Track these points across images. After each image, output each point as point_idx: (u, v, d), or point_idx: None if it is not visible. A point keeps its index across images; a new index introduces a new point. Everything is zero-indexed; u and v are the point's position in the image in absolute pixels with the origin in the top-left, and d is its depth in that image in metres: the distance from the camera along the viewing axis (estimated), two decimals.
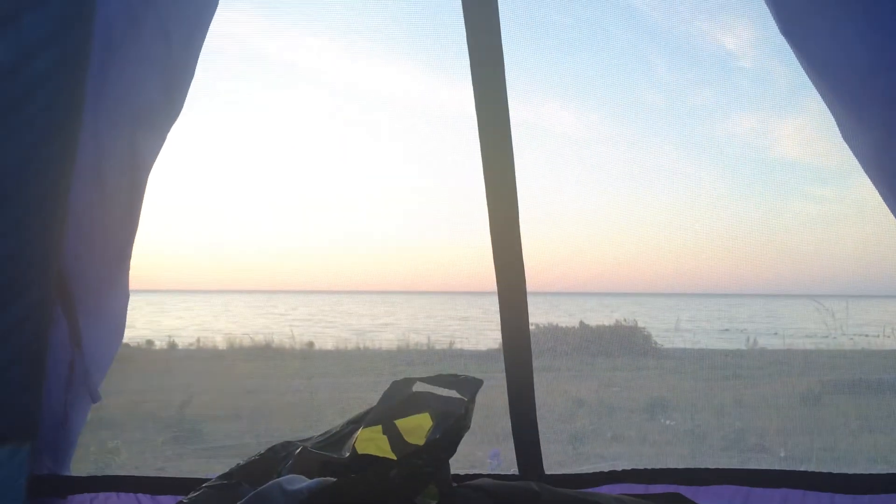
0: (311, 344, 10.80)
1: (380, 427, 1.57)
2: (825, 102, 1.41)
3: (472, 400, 1.50)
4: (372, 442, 1.56)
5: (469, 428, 1.47)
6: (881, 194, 1.44)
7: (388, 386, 1.57)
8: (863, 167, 1.44)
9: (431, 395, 1.59)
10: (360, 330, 12.75)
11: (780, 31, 1.35)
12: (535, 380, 1.86)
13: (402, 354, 9.93)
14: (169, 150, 1.52)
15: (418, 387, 1.59)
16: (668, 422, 5.49)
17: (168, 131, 1.42)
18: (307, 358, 9.70)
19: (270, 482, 1.30)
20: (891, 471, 1.65)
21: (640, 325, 10.29)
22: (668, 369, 8.23)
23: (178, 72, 1.37)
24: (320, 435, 1.56)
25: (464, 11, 1.60)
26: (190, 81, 1.39)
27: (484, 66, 1.62)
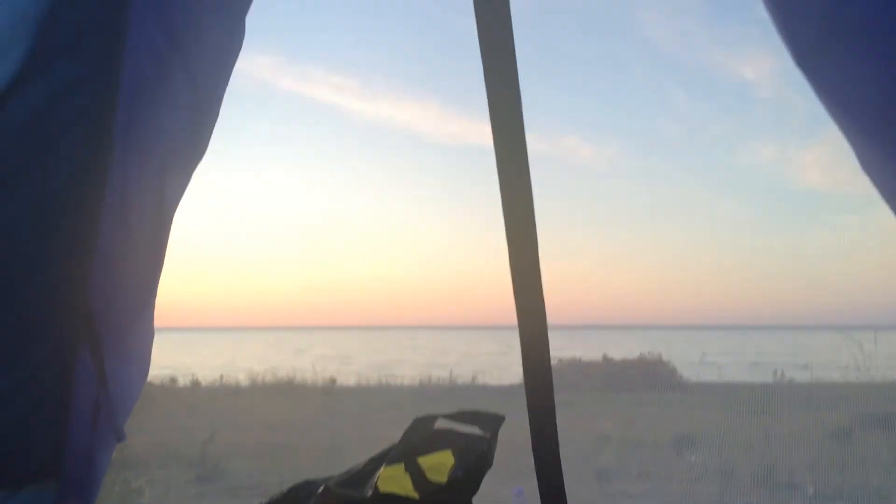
0: (333, 380, 10.78)
1: (402, 465, 1.56)
2: (843, 133, 1.41)
3: (495, 436, 1.49)
4: (394, 480, 1.55)
5: (492, 465, 1.46)
6: None
7: (411, 423, 1.57)
8: (884, 198, 1.43)
9: (453, 431, 1.58)
10: (381, 365, 12.72)
11: (796, 63, 1.36)
12: (559, 415, 1.84)
13: (425, 390, 9.89)
14: (194, 189, 1.55)
15: (440, 423, 1.58)
16: (693, 458, 5.39)
17: (193, 171, 1.45)
18: (329, 394, 9.69)
19: None
20: None
21: (665, 358, 10.17)
22: (694, 404, 8.13)
23: (204, 113, 1.39)
24: (342, 473, 1.55)
25: (480, 45, 1.61)
26: (215, 122, 1.42)
27: (501, 99, 1.63)
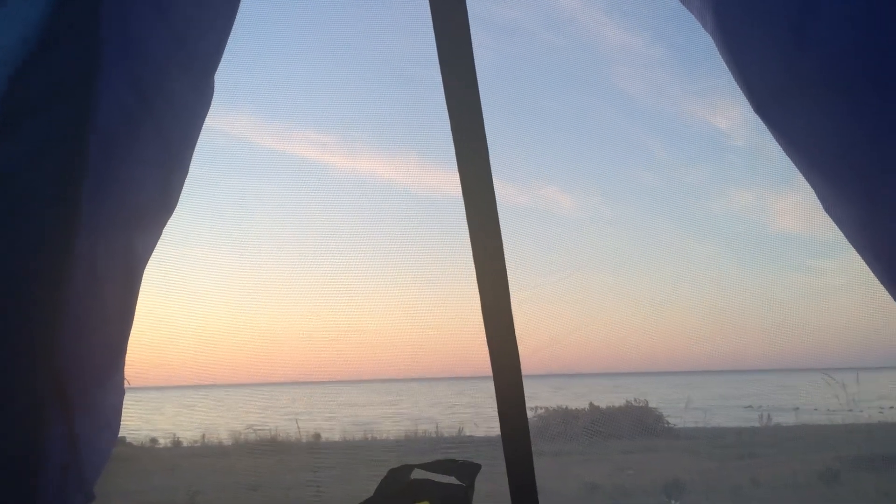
0: (317, 436, 10.62)
1: None
2: (805, 177, 1.44)
3: (472, 485, 1.48)
4: None
5: None
6: (867, 264, 1.45)
7: (385, 474, 1.55)
8: (847, 239, 1.46)
9: (430, 481, 1.57)
10: (366, 420, 12.56)
11: (754, 110, 1.40)
12: (547, 465, 1.83)
13: (411, 443, 9.75)
14: (166, 245, 1.55)
15: (416, 474, 1.57)
16: (674, 501, 5.34)
17: (163, 227, 1.46)
18: (314, 451, 9.53)
19: None
20: None
21: (651, 405, 10.12)
22: (682, 449, 8.07)
23: (174, 170, 1.41)
24: None
25: (447, 99, 1.65)
26: (184, 178, 1.44)
27: (468, 149, 1.66)
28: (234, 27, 1.45)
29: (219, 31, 1.43)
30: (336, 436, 10.97)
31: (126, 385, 1.71)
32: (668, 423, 9.32)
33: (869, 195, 1.34)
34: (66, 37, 1.22)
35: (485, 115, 1.68)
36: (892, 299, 1.46)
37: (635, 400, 10.17)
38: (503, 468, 1.81)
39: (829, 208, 1.45)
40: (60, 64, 1.22)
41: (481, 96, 1.68)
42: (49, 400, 1.39)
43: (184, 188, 1.48)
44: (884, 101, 1.29)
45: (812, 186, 1.44)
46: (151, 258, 1.52)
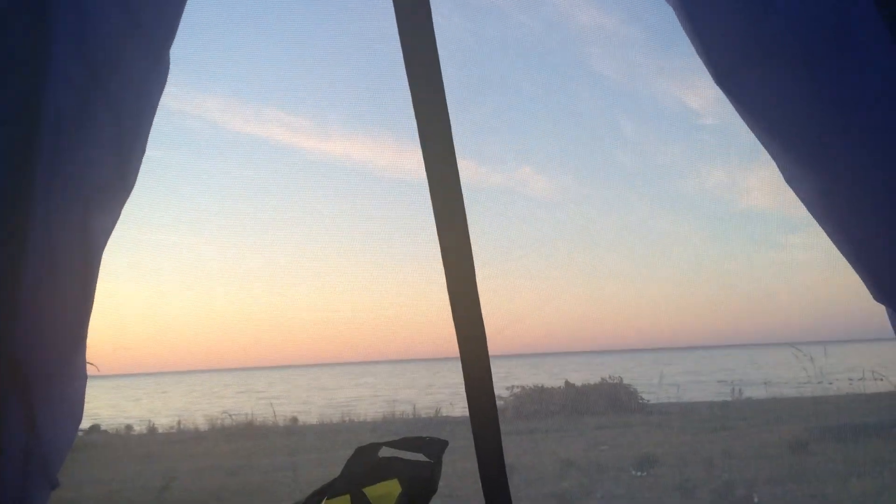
0: (294, 420, 10.60)
1: (348, 496, 1.54)
2: (766, 149, 1.45)
3: (439, 462, 1.48)
4: None
5: (436, 491, 1.45)
6: (829, 235, 1.47)
7: (353, 453, 1.55)
8: (808, 210, 1.47)
9: (399, 459, 1.57)
10: (343, 402, 12.56)
11: (715, 82, 1.40)
12: (523, 442, 1.84)
13: (389, 425, 9.77)
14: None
15: (384, 452, 1.57)
16: (641, 473, 5.43)
17: (121, 209, 1.43)
18: (291, 434, 9.52)
19: None
20: None
21: (626, 381, 10.23)
22: (656, 424, 8.18)
23: (129, 149, 1.38)
24: None
25: (408, 77, 1.63)
26: (141, 158, 1.41)
27: (431, 127, 1.65)
28: (201, 5, 1.42)
29: (174, 3, 1.40)
30: (313, 419, 10.97)
31: (95, 371, 1.68)
32: (642, 398, 9.43)
33: (828, 166, 1.35)
34: (16, 13, 1.19)
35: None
36: (854, 270, 1.48)
37: (610, 377, 10.26)
38: None
39: (790, 180, 1.46)
40: (10, 41, 1.19)
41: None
42: (7, 386, 1.37)
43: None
44: (843, 70, 1.29)
45: (773, 158, 1.45)
46: (111, 241, 1.49)
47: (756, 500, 4.47)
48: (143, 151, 1.41)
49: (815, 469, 5.29)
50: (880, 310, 1.50)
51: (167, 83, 1.44)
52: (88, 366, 1.66)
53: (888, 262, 1.40)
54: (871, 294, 1.45)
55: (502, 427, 1.79)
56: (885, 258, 1.40)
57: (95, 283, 1.43)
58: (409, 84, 1.65)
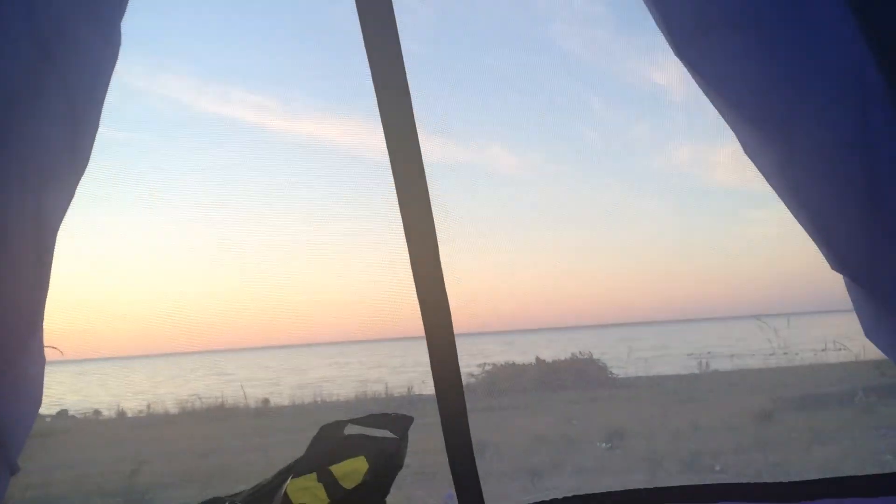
0: (266, 401, 10.57)
1: (314, 475, 1.54)
2: (724, 119, 1.46)
3: (405, 438, 1.48)
4: (307, 491, 1.53)
5: (402, 466, 1.45)
6: (787, 207, 1.48)
7: (317, 431, 1.54)
8: (767, 181, 1.49)
9: (365, 436, 1.57)
10: (314, 383, 12.54)
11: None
12: (495, 419, 1.85)
13: (361, 404, 9.79)
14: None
15: (350, 429, 1.57)
16: (605, 444, 5.52)
17: (75, 187, 1.39)
18: (263, 415, 9.50)
19: None
20: (825, 476, 1.67)
21: (596, 356, 10.35)
22: (625, 398, 8.30)
23: (82, 124, 1.34)
24: (251, 488, 1.52)
25: (367, 50, 1.61)
26: (94, 135, 1.37)
27: (391, 105, 1.63)
28: None
29: None
30: (285, 401, 10.95)
31: (59, 356, 1.65)
32: (611, 373, 9.55)
33: (786, 137, 1.36)
34: None
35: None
36: (812, 241, 1.50)
37: (580, 352, 10.39)
38: None
39: (749, 152, 1.47)
40: None
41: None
42: None
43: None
44: (799, 40, 1.30)
45: (733, 130, 1.46)
46: (70, 221, 1.46)
47: (717, 468, 4.57)
48: (96, 128, 1.38)
49: (779, 438, 5.41)
50: (841, 281, 1.52)
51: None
52: (52, 350, 1.62)
53: (844, 232, 1.42)
54: (829, 264, 1.47)
55: (475, 404, 1.80)
56: (841, 228, 1.42)
57: (51, 264, 1.40)
58: (370, 63, 1.63)
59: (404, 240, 1.75)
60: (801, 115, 1.35)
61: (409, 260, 1.71)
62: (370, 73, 1.61)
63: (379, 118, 1.69)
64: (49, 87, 1.31)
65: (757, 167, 1.50)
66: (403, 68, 1.61)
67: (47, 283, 1.42)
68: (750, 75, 1.38)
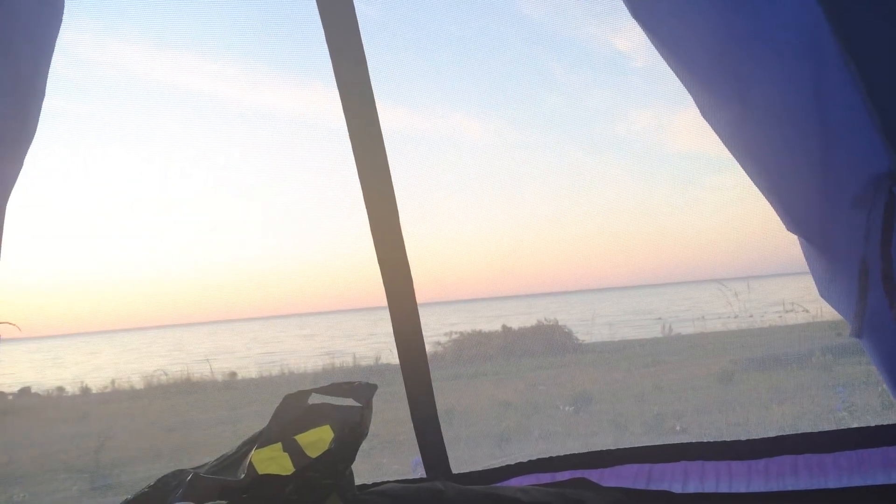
0: (233, 374, 10.51)
1: (279, 445, 1.54)
2: (681, 82, 1.46)
3: (369, 406, 1.48)
4: (273, 461, 1.53)
5: (366, 435, 1.45)
6: (743, 168, 1.50)
7: (280, 401, 1.54)
8: (723, 143, 1.50)
9: (329, 405, 1.56)
10: (281, 355, 12.51)
11: (631, 15, 1.40)
12: (463, 387, 1.87)
13: (329, 375, 9.79)
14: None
15: (314, 399, 1.56)
16: (570, 408, 5.61)
17: (24, 156, 1.35)
18: (231, 388, 9.44)
19: None
20: (783, 433, 1.71)
21: (561, 322, 10.45)
22: (590, 363, 8.40)
23: (28, 92, 1.30)
24: (215, 460, 1.51)
25: (322, 23, 1.58)
26: (41, 102, 1.33)
27: (348, 72, 1.61)
28: None
29: None
30: (252, 373, 10.89)
31: (16, 333, 1.62)
32: (577, 339, 9.65)
33: (741, 97, 1.37)
34: None
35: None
36: (768, 202, 1.52)
37: (545, 319, 10.48)
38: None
39: (705, 113, 1.47)
40: None
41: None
42: None
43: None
44: (756, 1, 1.30)
45: (689, 91, 1.46)
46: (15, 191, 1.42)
47: (678, 427, 4.68)
48: (42, 95, 1.34)
49: (739, 398, 5.53)
50: (798, 243, 1.55)
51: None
52: (8, 326, 1.59)
53: (798, 193, 1.44)
54: (784, 225, 1.50)
55: (442, 373, 1.81)
56: (795, 189, 1.44)
57: (1, 233, 1.37)
58: (324, 30, 1.60)
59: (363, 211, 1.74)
60: (754, 76, 1.35)
61: (369, 229, 1.70)
62: (325, 40, 1.59)
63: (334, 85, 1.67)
64: None
65: (712, 127, 1.51)
66: (359, 34, 1.58)
67: None
68: (704, 37, 1.38)
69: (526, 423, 5.80)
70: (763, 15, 1.31)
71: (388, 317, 1.82)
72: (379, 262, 1.74)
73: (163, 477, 1.47)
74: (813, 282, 1.56)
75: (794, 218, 1.46)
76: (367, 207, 1.70)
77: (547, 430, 5.44)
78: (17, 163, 1.37)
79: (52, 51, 1.32)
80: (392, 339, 1.84)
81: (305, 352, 13.00)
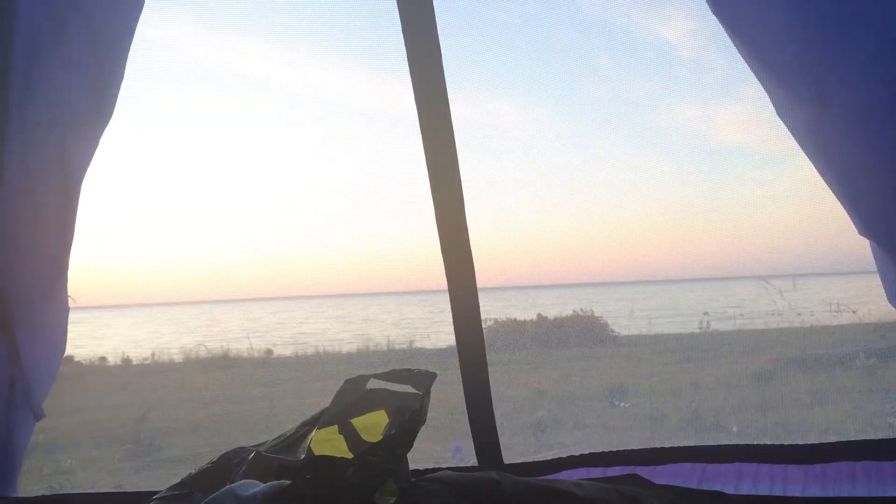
0: (269, 351, 10.65)
1: (335, 427, 1.56)
2: (760, 81, 1.44)
3: (427, 394, 1.49)
4: (328, 443, 1.55)
5: (425, 422, 1.47)
6: (816, 168, 1.47)
7: (342, 385, 1.56)
8: (798, 143, 1.47)
9: (386, 391, 1.58)
10: (317, 335, 12.63)
11: (712, 11, 1.37)
12: (497, 374, 1.87)
13: (363, 357, 9.86)
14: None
15: (372, 384, 1.58)
16: (623, 404, 5.57)
17: (99, 137, 1.38)
18: (266, 366, 9.57)
19: (223, 489, 1.27)
20: (840, 440, 1.69)
21: (597, 314, 10.37)
22: (626, 356, 8.34)
23: (107, 75, 1.33)
24: (274, 439, 1.54)
25: (399, 11, 1.59)
26: (119, 85, 1.35)
27: (423, 64, 1.61)
28: None
29: None
30: (288, 351, 11.02)
31: (71, 303, 1.66)
32: (613, 331, 9.57)
33: (820, 97, 1.34)
34: None
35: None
36: (840, 204, 1.49)
37: (581, 310, 10.40)
38: (452, 377, 1.83)
39: (782, 113, 1.45)
40: None
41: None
42: None
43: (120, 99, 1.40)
44: None
45: (766, 91, 1.44)
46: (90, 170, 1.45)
47: (735, 429, 4.63)
48: (121, 79, 1.36)
49: (778, 397, 5.45)
50: (849, 243, 1.52)
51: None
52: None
53: (873, 198, 1.41)
54: (856, 228, 1.47)
55: None
56: (869, 193, 1.41)
57: (76, 213, 1.40)
58: (402, 19, 1.60)
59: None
60: (835, 75, 1.33)
61: (434, 218, 1.70)
62: (402, 35, 1.59)
63: (399, 74, 1.67)
64: (73, 34, 1.29)
65: (787, 127, 1.49)
66: (435, 27, 1.58)
67: (72, 230, 1.43)
68: (791, 35, 1.36)
69: (560, 414, 5.79)
70: (843, 14, 1.28)
71: (419, 301, 1.83)
72: (442, 251, 1.74)
73: (225, 453, 1.50)
74: (859, 282, 1.53)
75: (866, 222, 1.43)
76: (433, 195, 1.70)
77: (582, 422, 5.43)
78: (92, 144, 1.40)
79: (133, 35, 1.34)
80: (423, 323, 1.84)
81: (340, 333, 13.11)
